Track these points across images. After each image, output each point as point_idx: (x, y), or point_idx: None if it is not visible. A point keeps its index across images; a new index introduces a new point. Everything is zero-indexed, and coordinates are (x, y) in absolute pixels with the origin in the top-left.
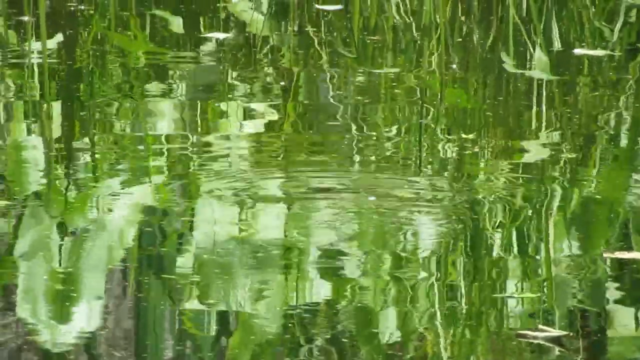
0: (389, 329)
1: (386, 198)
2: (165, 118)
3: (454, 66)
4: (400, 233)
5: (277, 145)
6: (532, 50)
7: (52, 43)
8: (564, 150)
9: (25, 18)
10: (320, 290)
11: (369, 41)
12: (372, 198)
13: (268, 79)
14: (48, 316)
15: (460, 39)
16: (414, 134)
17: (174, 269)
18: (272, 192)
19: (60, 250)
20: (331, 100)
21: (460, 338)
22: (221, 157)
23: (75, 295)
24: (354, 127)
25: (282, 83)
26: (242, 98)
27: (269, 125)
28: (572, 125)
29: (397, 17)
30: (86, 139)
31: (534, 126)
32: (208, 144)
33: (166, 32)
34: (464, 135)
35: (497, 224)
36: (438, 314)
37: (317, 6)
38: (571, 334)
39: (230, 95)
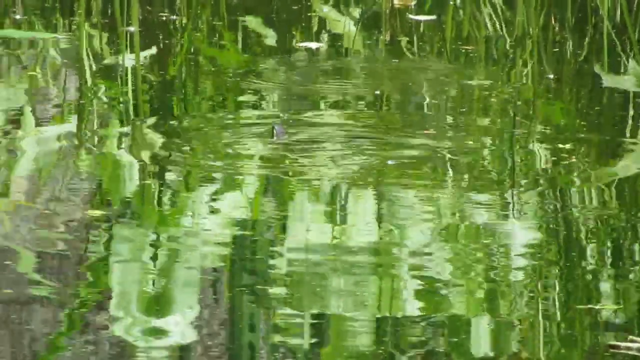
0: (482, 339)
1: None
2: (257, 127)
3: (550, 76)
4: (492, 242)
5: (369, 153)
6: (626, 61)
7: (145, 54)
8: None
9: (120, 29)
10: (413, 297)
11: (462, 51)
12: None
13: (360, 88)
14: (141, 324)
15: (555, 50)
16: (507, 145)
17: (266, 277)
18: (364, 206)
19: (153, 259)
20: (423, 109)
21: (553, 349)
22: (315, 167)
23: (168, 303)
24: (444, 136)
25: (377, 92)
26: (335, 107)
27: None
28: None
29: (490, 28)
30: (180, 149)
31: (629, 139)
32: (300, 153)
33: (258, 42)
34: (559, 146)
35: (589, 234)
36: (530, 324)
37: (410, 16)
38: None
39: (322, 105)
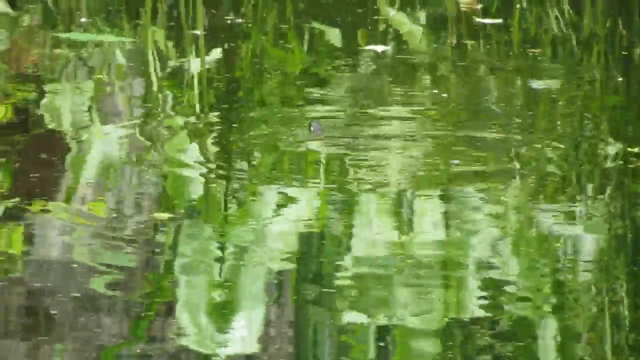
0: (549, 345)
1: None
2: (321, 130)
3: (620, 79)
4: (561, 247)
5: (435, 154)
6: None
7: (211, 57)
8: None
9: (185, 32)
10: (479, 303)
11: (530, 54)
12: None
13: (427, 90)
14: (208, 327)
15: (624, 53)
16: (575, 149)
17: (333, 281)
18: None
19: (220, 262)
20: (491, 109)
21: (621, 357)
22: (379, 167)
23: (234, 306)
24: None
25: (445, 95)
26: (400, 107)
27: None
28: None
29: (557, 30)
30: (245, 152)
31: None
32: (365, 156)
33: (324, 44)
34: (628, 149)
35: None
36: (598, 331)
37: (476, 19)
38: None
39: (389, 106)
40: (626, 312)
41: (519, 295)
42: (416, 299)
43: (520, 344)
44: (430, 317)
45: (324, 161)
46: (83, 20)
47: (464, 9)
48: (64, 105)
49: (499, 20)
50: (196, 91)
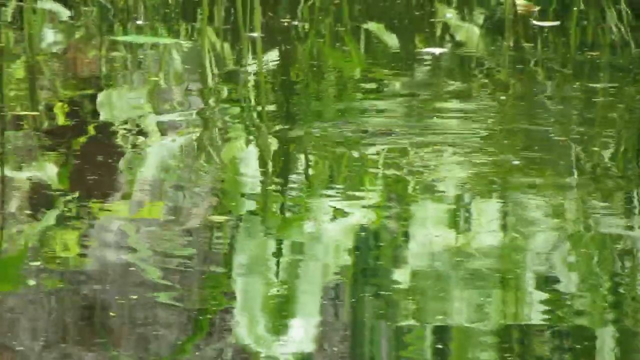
0: (608, 350)
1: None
2: (377, 133)
3: None
4: (620, 248)
5: (494, 155)
6: None
7: (268, 59)
8: None
9: (242, 35)
10: (537, 308)
11: (589, 57)
12: (516, 162)
13: (484, 91)
14: (265, 332)
15: None
16: (634, 149)
17: (389, 284)
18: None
19: (277, 266)
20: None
21: None
22: (434, 172)
23: (291, 310)
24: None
25: (503, 97)
26: (458, 112)
27: (484, 138)
28: None
29: (616, 33)
30: (301, 155)
31: None
32: (424, 163)
33: (380, 47)
34: None
35: None
36: None
37: (534, 22)
38: None
39: (448, 112)
40: None
41: (578, 302)
42: (473, 302)
43: (578, 350)
44: (486, 322)
45: (381, 161)
46: (140, 22)
47: (521, 12)
48: (120, 107)
49: (556, 23)
50: (253, 93)
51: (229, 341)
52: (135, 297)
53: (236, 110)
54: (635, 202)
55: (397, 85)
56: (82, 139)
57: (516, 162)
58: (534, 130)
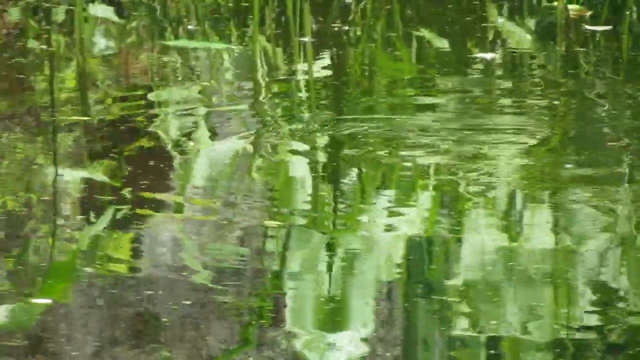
0: None
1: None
2: (430, 139)
3: None
4: None
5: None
6: None
7: (319, 63)
8: None
9: (293, 39)
10: (590, 313)
11: None
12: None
13: (536, 96)
14: (317, 333)
15: None
16: None
17: (442, 289)
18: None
19: (329, 269)
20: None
21: None
22: (489, 172)
23: (343, 313)
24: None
25: (556, 102)
26: (510, 116)
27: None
28: None
29: None
30: (353, 158)
31: None
32: (474, 165)
33: (432, 52)
34: None
35: None
36: None
37: (585, 27)
38: None
39: (500, 115)
40: None
41: (632, 305)
42: (525, 307)
43: (632, 354)
44: (539, 327)
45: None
46: (191, 27)
47: (573, 16)
48: (171, 111)
49: (608, 27)
50: (305, 97)
51: (279, 349)
52: (186, 302)
53: (287, 114)
54: None
55: (449, 88)
56: (134, 144)
57: (569, 165)
58: (587, 133)
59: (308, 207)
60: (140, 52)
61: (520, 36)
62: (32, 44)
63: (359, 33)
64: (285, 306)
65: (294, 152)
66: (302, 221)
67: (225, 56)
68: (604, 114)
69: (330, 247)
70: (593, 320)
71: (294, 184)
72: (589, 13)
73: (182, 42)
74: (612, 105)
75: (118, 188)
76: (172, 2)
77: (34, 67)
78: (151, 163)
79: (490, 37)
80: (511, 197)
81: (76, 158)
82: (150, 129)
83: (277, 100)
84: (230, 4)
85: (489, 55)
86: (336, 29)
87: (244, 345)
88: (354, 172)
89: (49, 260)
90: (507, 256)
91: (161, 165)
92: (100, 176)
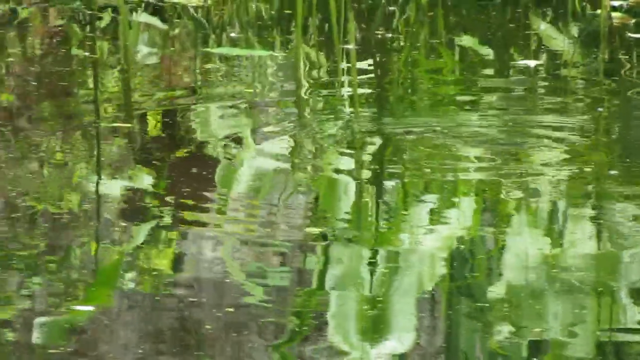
0: None
1: None
2: (474, 146)
3: None
4: None
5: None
6: None
7: (362, 70)
8: None
9: (337, 46)
10: (634, 318)
11: None
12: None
13: (579, 105)
14: (360, 343)
15: None
16: None
17: (484, 296)
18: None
19: (371, 277)
20: None
21: None
22: (531, 178)
23: (386, 324)
24: None
25: (600, 109)
26: (552, 124)
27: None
28: None
29: None
30: (397, 166)
31: None
32: (519, 174)
33: (476, 60)
34: None
35: None
36: None
37: (629, 35)
38: None
39: (543, 123)
40: None
41: None
42: (569, 313)
43: None
44: (583, 332)
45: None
46: (234, 35)
47: (616, 24)
48: (214, 118)
49: None
50: (348, 106)
51: (322, 355)
52: (229, 309)
53: (330, 121)
54: None
55: (492, 97)
56: (177, 151)
57: (613, 172)
58: (631, 141)
59: (349, 217)
60: (183, 59)
61: (563, 43)
62: (76, 50)
63: (402, 41)
64: (326, 322)
65: (339, 158)
66: (344, 232)
67: (269, 63)
68: None
69: (373, 253)
70: (636, 324)
71: (336, 193)
72: (632, 21)
73: (225, 50)
74: None
75: (161, 195)
76: (216, 9)
77: (77, 73)
78: (194, 170)
79: (534, 44)
80: (554, 202)
81: (119, 164)
82: (193, 135)
83: (320, 107)
84: (273, 12)
85: (532, 63)
86: (379, 36)
87: (286, 354)
88: (396, 179)
89: (92, 267)
90: (551, 262)
91: (204, 173)
92: (142, 184)
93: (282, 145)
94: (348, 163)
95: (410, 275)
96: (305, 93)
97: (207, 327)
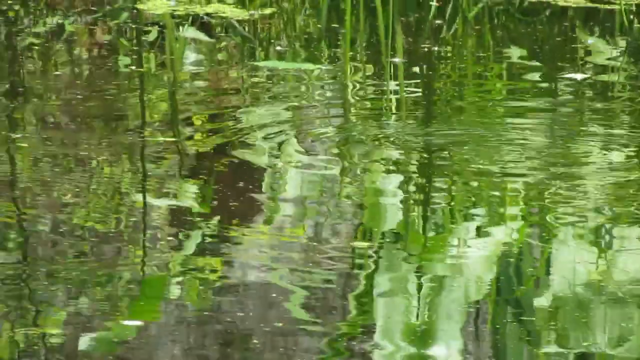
0: None
1: None
2: (523, 156)
3: None
4: None
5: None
6: None
7: (408, 83)
8: None
9: (384, 59)
10: None
11: None
12: None
13: (625, 118)
14: (407, 354)
15: None
16: None
17: (532, 311)
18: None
19: (419, 289)
20: None
21: None
22: (575, 199)
23: (433, 333)
24: None
25: None
26: (600, 137)
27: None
28: None
29: None
30: (443, 178)
31: None
32: (561, 186)
33: (523, 72)
34: None
35: None
36: None
37: None
38: None
39: (589, 135)
40: None
41: None
42: (616, 328)
43: None
44: (630, 348)
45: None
46: (280, 48)
47: None
48: (260, 131)
49: None
50: (396, 119)
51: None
52: (277, 323)
53: (377, 135)
54: None
55: (539, 110)
56: (223, 164)
57: None
58: None
59: (397, 227)
60: (230, 72)
61: (610, 57)
62: (123, 63)
63: (449, 53)
64: (375, 326)
65: (386, 172)
66: (391, 242)
67: (316, 76)
68: None
69: (420, 265)
70: None
71: (385, 204)
72: None
73: (272, 63)
74: None
75: (207, 209)
76: (263, 23)
77: (124, 87)
78: (240, 184)
79: (581, 57)
80: (601, 215)
81: (165, 179)
82: (239, 149)
83: (367, 119)
84: (319, 25)
85: (579, 76)
86: (426, 49)
87: None
88: (444, 189)
89: (138, 282)
90: (596, 274)
91: (250, 187)
92: (188, 201)
93: (328, 159)
94: (395, 178)
95: (457, 287)
96: (351, 104)
97: (255, 339)
